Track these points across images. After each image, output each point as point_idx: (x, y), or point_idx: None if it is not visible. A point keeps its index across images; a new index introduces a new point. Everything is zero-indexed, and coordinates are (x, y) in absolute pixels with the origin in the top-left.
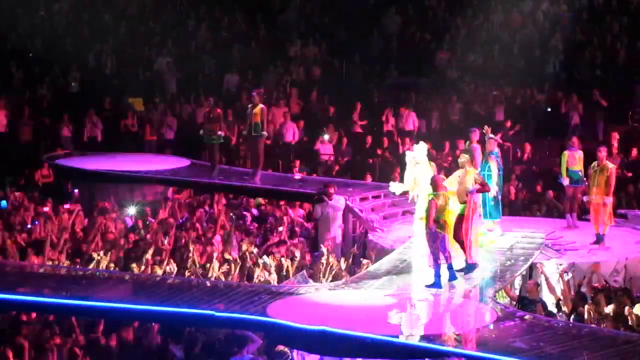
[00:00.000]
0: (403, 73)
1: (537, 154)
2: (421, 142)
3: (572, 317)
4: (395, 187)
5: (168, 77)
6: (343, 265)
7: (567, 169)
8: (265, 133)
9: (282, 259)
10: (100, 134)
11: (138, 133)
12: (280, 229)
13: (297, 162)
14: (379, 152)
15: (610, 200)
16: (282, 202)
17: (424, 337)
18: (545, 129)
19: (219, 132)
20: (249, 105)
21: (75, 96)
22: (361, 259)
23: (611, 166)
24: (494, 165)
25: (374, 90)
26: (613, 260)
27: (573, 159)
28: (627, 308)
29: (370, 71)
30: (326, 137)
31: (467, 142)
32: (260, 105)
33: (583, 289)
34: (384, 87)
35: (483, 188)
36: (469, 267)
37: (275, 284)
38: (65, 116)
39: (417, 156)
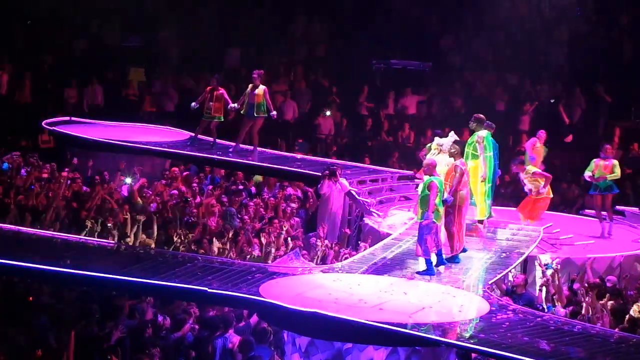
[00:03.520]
0: (406, 56)
1: None
2: (451, 133)
3: (566, 313)
4: None
5: (171, 49)
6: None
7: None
8: (274, 112)
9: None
10: (101, 102)
11: (138, 103)
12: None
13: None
14: (379, 135)
15: None
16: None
17: (415, 325)
18: (547, 121)
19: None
20: (250, 85)
21: (79, 63)
22: (359, 242)
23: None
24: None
25: (376, 72)
26: (608, 257)
27: (605, 167)
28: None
29: (374, 53)
30: (328, 113)
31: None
32: (263, 87)
33: (576, 285)
34: (386, 70)
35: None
36: (455, 257)
37: (268, 262)
38: (72, 82)
39: (445, 145)
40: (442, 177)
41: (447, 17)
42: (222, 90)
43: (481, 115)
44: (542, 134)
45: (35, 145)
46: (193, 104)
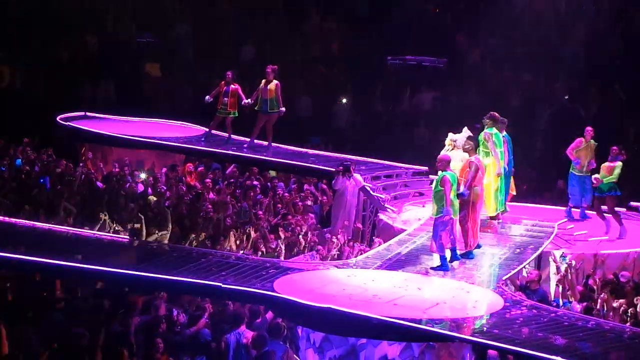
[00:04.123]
0: (421, 53)
1: (551, 142)
2: (465, 129)
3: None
4: None
5: (186, 45)
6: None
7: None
8: (283, 109)
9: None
10: (115, 98)
11: (153, 98)
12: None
13: None
14: (393, 131)
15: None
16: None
17: (429, 321)
18: (562, 119)
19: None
20: (263, 81)
21: (93, 58)
22: (373, 238)
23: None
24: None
25: (391, 68)
26: (623, 253)
27: (606, 168)
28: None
29: (389, 49)
30: (344, 100)
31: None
32: (275, 82)
33: (590, 281)
34: (401, 66)
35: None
36: (469, 253)
37: (282, 259)
38: (84, 78)
39: (458, 140)
40: (456, 173)
41: (463, 13)
42: (236, 86)
43: (496, 114)
44: (589, 130)
45: (49, 141)
46: (207, 97)
